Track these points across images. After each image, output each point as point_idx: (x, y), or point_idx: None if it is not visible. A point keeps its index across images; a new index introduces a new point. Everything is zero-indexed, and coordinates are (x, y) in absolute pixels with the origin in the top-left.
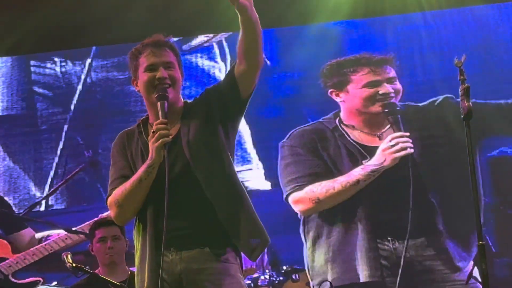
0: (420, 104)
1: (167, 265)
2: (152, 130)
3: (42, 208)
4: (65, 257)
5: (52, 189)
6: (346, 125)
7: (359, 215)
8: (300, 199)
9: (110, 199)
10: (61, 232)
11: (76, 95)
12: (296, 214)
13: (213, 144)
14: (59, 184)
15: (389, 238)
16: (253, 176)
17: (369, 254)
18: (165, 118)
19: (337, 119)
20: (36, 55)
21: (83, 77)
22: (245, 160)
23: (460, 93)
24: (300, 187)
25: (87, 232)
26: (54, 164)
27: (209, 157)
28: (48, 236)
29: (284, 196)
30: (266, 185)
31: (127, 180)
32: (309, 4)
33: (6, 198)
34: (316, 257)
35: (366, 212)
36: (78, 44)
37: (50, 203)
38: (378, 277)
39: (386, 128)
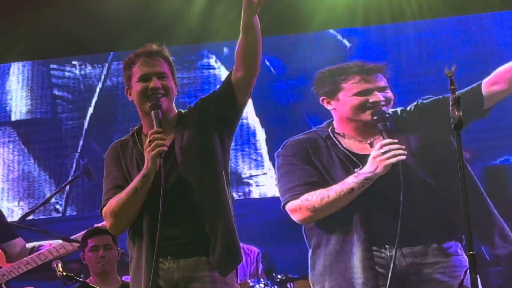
0: (407, 108)
1: (164, 273)
2: (148, 139)
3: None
4: (55, 265)
5: (46, 198)
6: (337, 134)
7: (355, 224)
8: (296, 208)
9: (105, 210)
10: (53, 241)
11: (94, 100)
12: (293, 222)
13: (206, 151)
14: (53, 192)
15: (386, 246)
16: (266, 181)
17: (365, 263)
18: (159, 127)
19: (330, 128)
20: (55, 59)
21: (100, 83)
22: (260, 165)
23: (450, 103)
24: (296, 196)
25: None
26: (73, 170)
27: (201, 164)
28: (40, 246)
29: (282, 205)
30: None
31: (121, 190)
32: (314, 12)
33: (21, 203)
34: (316, 265)
35: (362, 220)
36: (96, 49)
37: (62, 208)
38: (373, 285)
39: (377, 136)
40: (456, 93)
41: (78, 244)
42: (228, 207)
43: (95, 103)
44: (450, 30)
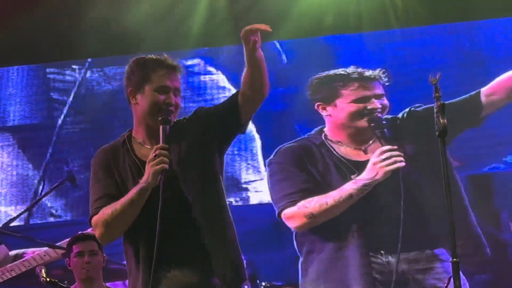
0: (399, 116)
1: (169, 280)
2: (153, 153)
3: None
4: (39, 271)
5: (29, 205)
6: (331, 141)
7: (351, 230)
8: (293, 215)
9: (96, 218)
10: (37, 249)
11: (68, 102)
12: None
13: (208, 168)
14: (37, 199)
15: (382, 252)
16: (263, 187)
17: (361, 269)
18: (166, 143)
19: (323, 135)
20: (53, 63)
21: (76, 87)
22: (258, 171)
23: (435, 110)
24: (293, 203)
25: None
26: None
27: (202, 182)
28: (24, 253)
29: (277, 212)
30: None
31: (112, 199)
32: (302, 19)
33: (18, 207)
34: (309, 272)
35: (358, 227)
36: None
37: (57, 213)
38: None
39: (370, 143)
40: (454, 100)
41: (63, 251)
42: (231, 225)
43: (70, 107)
44: (438, 38)
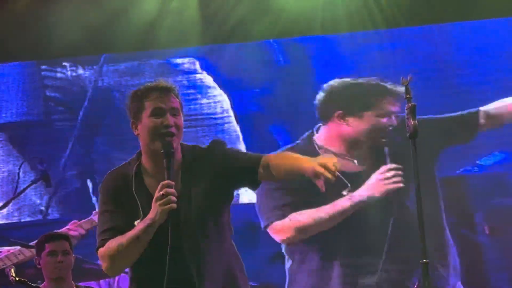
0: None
1: None
2: (160, 192)
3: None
4: (8, 271)
5: (2, 204)
6: (322, 148)
7: (340, 241)
8: (284, 228)
9: (103, 251)
10: (11, 248)
11: (86, 102)
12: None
13: (214, 224)
14: (11, 198)
15: (369, 260)
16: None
17: (346, 279)
18: (172, 179)
19: (314, 143)
20: (46, 60)
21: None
22: None
23: (406, 112)
24: (282, 216)
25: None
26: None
27: (204, 239)
28: None
29: (265, 224)
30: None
31: (119, 231)
32: (274, 19)
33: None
34: (298, 279)
35: (347, 237)
36: (88, 51)
37: (45, 211)
38: None
39: (364, 154)
40: (452, 114)
41: None
42: (240, 274)
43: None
44: (412, 41)
